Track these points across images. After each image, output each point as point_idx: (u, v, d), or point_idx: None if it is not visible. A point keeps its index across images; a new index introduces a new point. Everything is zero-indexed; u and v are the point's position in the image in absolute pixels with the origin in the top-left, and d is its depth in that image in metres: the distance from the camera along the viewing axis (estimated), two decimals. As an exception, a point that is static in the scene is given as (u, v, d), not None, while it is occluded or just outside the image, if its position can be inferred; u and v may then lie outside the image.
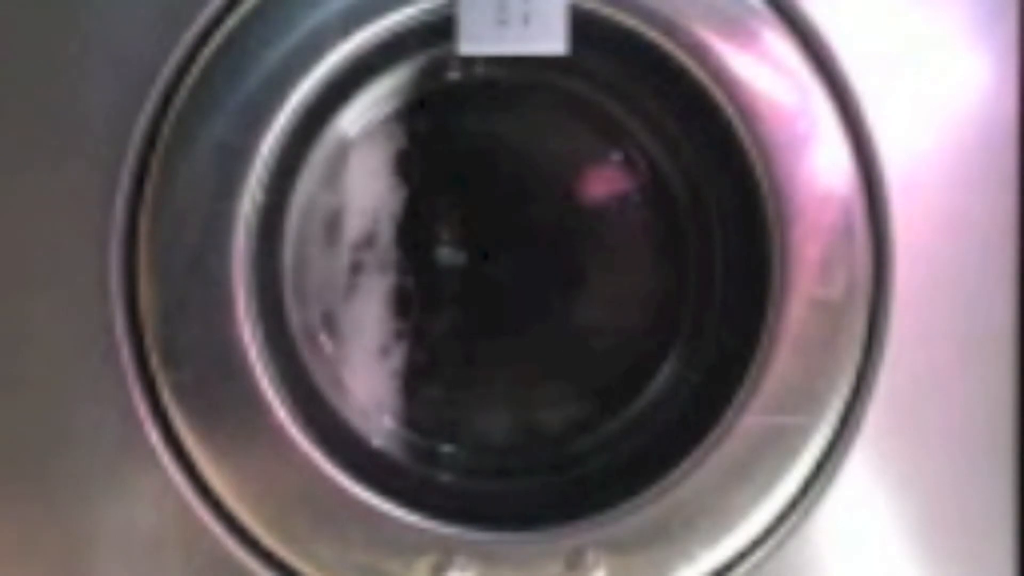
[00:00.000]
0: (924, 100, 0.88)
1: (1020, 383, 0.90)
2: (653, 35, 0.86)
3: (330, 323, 0.96)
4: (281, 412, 0.85)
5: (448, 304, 0.97)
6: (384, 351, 0.96)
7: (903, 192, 0.87)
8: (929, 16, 0.88)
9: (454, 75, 0.94)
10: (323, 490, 0.86)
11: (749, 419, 0.87)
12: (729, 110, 0.86)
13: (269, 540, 0.87)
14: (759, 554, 0.89)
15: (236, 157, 0.84)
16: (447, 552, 0.87)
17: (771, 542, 0.89)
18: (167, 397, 0.86)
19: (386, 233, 0.95)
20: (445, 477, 0.95)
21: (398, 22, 0.85)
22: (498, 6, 0.85)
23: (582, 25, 0.86)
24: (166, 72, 0.84)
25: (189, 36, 0.84)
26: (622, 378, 0.97)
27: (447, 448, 0.97)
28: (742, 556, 0.89)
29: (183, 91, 0.84)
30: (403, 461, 0.95)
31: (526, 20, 0.85)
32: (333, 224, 0.95)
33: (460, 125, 0.97)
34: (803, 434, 0.87)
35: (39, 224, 0.86)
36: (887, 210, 0.87)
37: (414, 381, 0.96)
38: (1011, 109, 0.88)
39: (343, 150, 0.94)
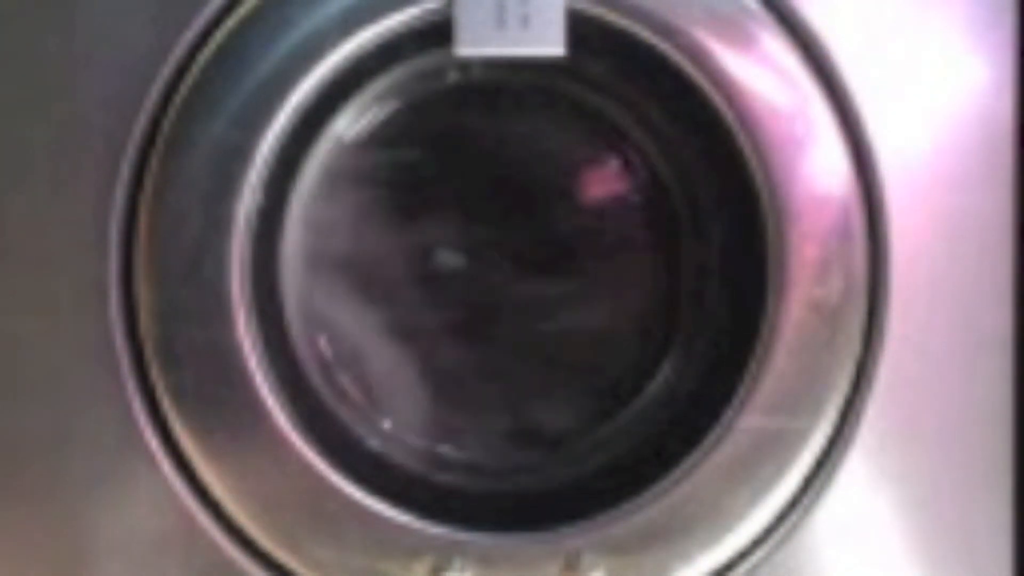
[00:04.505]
0: (921, 101, 0.88)
1: (1018, 383, 0.90)
2: (651, 38, 0.86)
3: (328, 326, 0.95)
4: (279, 415, 0.85)
5: (446, 305, 0.96)
6: (382, 353, 0.96)
7: (901, 193, 0.88)
8: (926, 17, 0.88)
9: (452, 77, 0.94)
10: (321, 492, 0.86)
11: (747, 420, 0.87)
12: (726, 112, 0.86)
13: (267, 543, 0.87)
14: (757, 555, 0.89)
15: (236, 158, 0.84)
16: (445, 553, 0.87)
17: (769, 543, 0.89)
18: (165, 400, 0.85)
19: (384, 235, 0.95)
20: (443, 479, 0.95)
21: (399, 22, 0.85)
22: (496, 8, 0.85)
23: (580, 28, 0.86)
24: (166, 72, 0.84)
25: (189, 37, 0.84)
26: (620, 379, 0.97)
27: (445, 449, 0.96)
28: (741, 557, 0.89)
29: (183, 92, 0.84)
30: (401, 463, 0.95)
31: (524, 22, 0.85)
32: (331, 225, 0.94)
33: (458, 127, 0.97)
34: (801, 435, 0.88)
35: (38, 226, 0.86)
36: (885, 211, 0.87)
37: (412, 382, 0.96)
38: (1008, 110, 0.89)
39: (341, 151, 0.94)
